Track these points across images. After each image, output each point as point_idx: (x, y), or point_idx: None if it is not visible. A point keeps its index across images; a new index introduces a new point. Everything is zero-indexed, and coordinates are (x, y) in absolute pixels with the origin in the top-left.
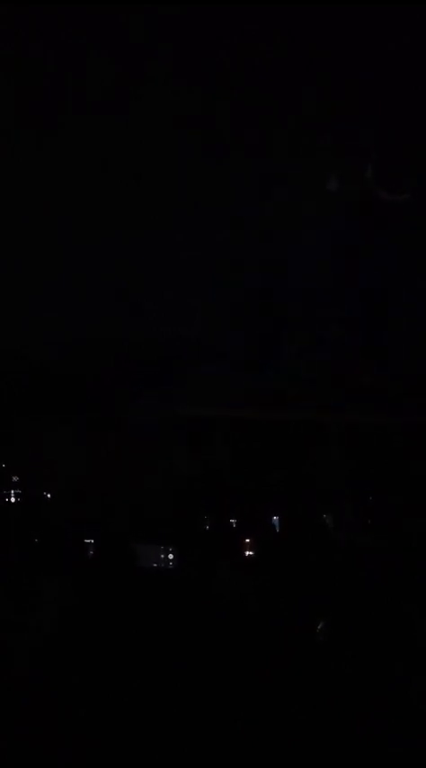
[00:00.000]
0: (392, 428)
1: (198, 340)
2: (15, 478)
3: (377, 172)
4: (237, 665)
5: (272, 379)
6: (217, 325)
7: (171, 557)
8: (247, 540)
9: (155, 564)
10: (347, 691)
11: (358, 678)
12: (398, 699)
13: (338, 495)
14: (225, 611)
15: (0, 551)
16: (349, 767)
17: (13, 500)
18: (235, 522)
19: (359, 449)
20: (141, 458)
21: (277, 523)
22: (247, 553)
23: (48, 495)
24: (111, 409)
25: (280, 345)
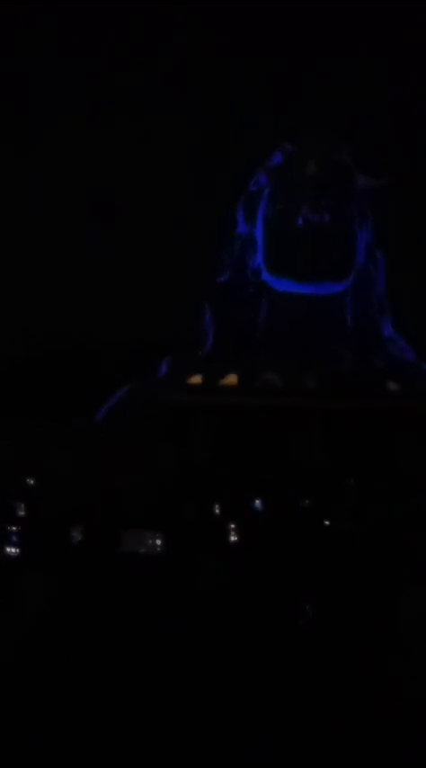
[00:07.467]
0: (374, 414)
1: (181, 335)
2: None
3: (357, 157)
4: (227, 649)
5: (256, 367)
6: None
7: (158, 542)
8: (232, 526)
9: (142, 550)
10: (333, 671)
11: (345, 658)
12: (382, 676)
13: (320, 480)
14: (212, 597)
15: None
16: (338, 742)
17: None
18: (220, 509)
19: (340, 435)
20: (127, 447)
21: (260, 506)
22: (232, 538)
23: (32, 482)
24: (97, 401)
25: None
